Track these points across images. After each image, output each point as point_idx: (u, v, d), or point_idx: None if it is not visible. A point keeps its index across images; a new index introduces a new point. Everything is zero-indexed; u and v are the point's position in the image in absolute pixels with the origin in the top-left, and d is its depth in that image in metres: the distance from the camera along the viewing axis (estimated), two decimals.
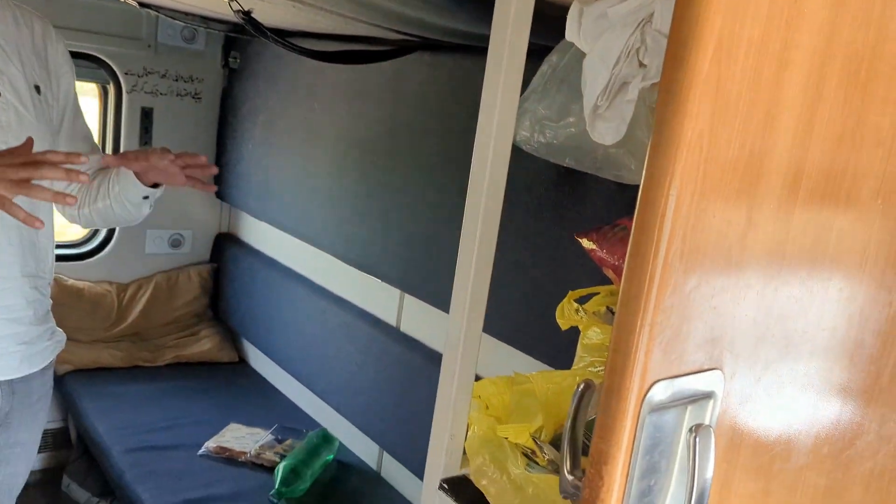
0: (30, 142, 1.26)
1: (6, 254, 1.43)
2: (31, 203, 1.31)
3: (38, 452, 2.94)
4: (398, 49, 2.03)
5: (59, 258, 2.94)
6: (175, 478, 2.26)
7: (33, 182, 1.21)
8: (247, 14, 1.75)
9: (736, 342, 0.69)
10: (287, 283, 2.78)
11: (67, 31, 2.72)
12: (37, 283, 1.51)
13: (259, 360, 3.06)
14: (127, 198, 1.57)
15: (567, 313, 1.21)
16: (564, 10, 1.01)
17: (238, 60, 2.99)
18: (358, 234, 2.32)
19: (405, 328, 2.34)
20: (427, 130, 2.05)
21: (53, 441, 3.02)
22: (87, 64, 2.86)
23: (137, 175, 1.51)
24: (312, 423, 2.65)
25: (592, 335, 1.17)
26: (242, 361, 3.15)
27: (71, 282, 2.93)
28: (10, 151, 1.24)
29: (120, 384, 2.79)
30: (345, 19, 1.87)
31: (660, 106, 0.60)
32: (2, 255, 1.42)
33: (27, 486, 2.95)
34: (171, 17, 2.65)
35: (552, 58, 1.07)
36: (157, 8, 2.56)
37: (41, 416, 1.63)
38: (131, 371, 2.91)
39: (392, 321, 2.37)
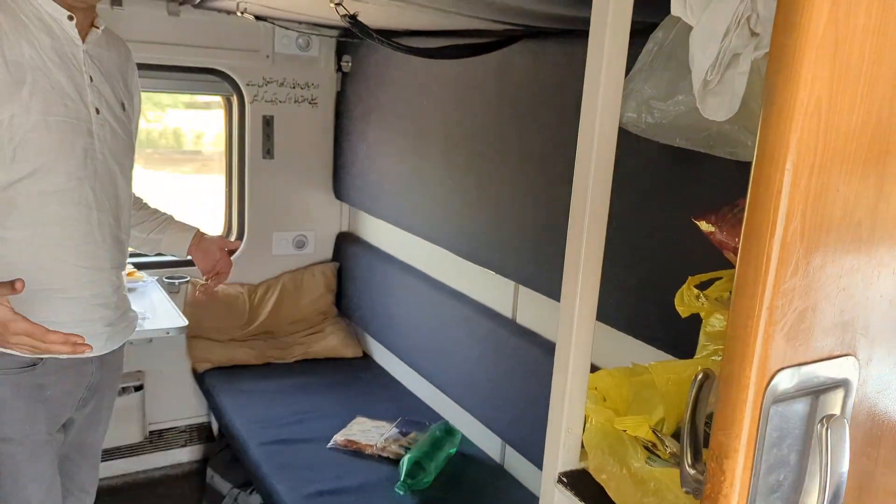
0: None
1: (101, 249, 1.63)
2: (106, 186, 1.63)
3: (185, 446, 3.19)
4: (502, 40, 2.02)
5: (193, 263, 3.16)
6: (307, 470, 2.35)
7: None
8: (353, 18, 1.79)
9: (871, 325, 0.64)
10: (405, 278, 2.83)
11: (194, 48, 2.90)
12: (119, 272, 1.73)
13: (382, 355, 3.14)
14: (160, 250, 2.02)
15: (687, 300, 1.16)
16: None
17: (350, 64, 3.08)
18: (470, 227, 2.32)
19: (521, 320, 2.32)
20: (535, 119, 2.02)
21: (198, 435, 3.23)
22: (212, 78, 3.03)
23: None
24: (435, 416, 2.69)
25: (715, 322, 1.12)
26: (366, 356, 3.25)
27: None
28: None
29: (254, 380, 2.94)
30: (447, 14, 1.87)
31: (770, 74, 0.56)
32: (97, 251, 1.62)
33: (175, 477, 3.17)
34: (285, 28, 2.76)
35: (657, 34, 1.03)
36: (273, 20, 2.67)
37: (117, 384, 1.91)
38: (264, 368, 3.06)
39: (508, 313, 2.37)
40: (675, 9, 0.90)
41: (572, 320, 1.03)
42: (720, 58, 0.80)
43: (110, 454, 3.02)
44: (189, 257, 2.05)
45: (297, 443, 2.51)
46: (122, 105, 1.70)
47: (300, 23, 2.68)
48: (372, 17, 2.06)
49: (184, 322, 2.55)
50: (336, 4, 1.75)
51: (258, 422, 2.63)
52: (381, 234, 3.13)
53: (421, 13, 1.91)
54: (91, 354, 1.57)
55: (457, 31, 2.19)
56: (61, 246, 1.57)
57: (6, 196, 1.49)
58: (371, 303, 3.08)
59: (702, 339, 1.17)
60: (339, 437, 2.53)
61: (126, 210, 1.73)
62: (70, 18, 1.54)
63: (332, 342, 3.19)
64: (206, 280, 2.11)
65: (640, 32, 1.01)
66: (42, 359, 1.57)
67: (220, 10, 2.75)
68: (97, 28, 1.63)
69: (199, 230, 2.03)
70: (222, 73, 3.02)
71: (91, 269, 1.61)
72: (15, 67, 1.44)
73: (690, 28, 0.90)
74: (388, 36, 2.05)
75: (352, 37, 2.96)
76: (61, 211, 1.55)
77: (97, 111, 1.60)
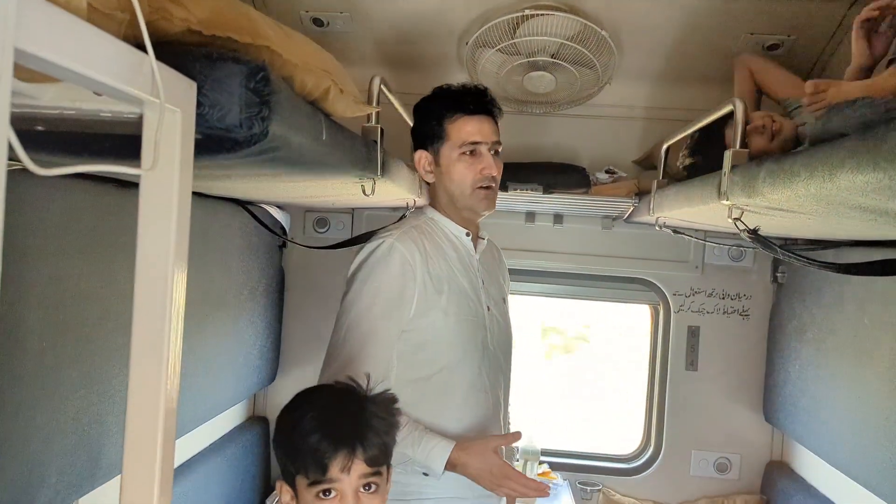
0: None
1: (495, 430, 1.85)
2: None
3: None
4: None
5: (610, 471, 3.09)
6: None
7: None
8: (753, 232, 1.66)
9: None
10: None
11: (625, 259, 3.01)
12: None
13: None
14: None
15: None
16: None
17: (785, 275, 2.83)
18: None
19: None
20: None
21: None
22: (639, 287, 3.09)
23: None
24: None
25: None
26: None
27: (617, 497, 3.00)
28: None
29: None
30: (875, 224, 1.61)
31: None
32: (493, 431, 1.84)
33: None
34: (707, 242, 2.70)
35: None
36: (689, 233, 2.64)
37: None
38: None
39: None
40: None
41: None
42: None
43: None
44: None
45: None
46: (504, 299, 1.97)
47: (720, 234, 2.59)
48: (782, 227, 1.90)
49: None
50: (735, 220, 1.65)
51: None
52: (816, 470, 2.64)
53: (844, 222, 1.68)
54: None
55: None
56: (461, 428, 1.77)
57: (419, 389, 1.75)
58: None
59: None
60: None
61: (506, 390, 1.95)
62: (467, 234, 1.87)
63: None
64: None
65: None
66: None
67: (647, 224, 2.84)
68: (482, 239, 1.94)
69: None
70: (650, 282, 3.05)
71: None
72: (436, 280, 1.76)
73: None
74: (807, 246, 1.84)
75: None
76: (466, 397, 1.79)
77: (488, 308, 1.85)
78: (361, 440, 1.25)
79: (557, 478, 2.97)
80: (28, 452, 1.40)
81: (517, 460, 2.77)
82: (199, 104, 0.79)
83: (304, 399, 1.35)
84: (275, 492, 2.88)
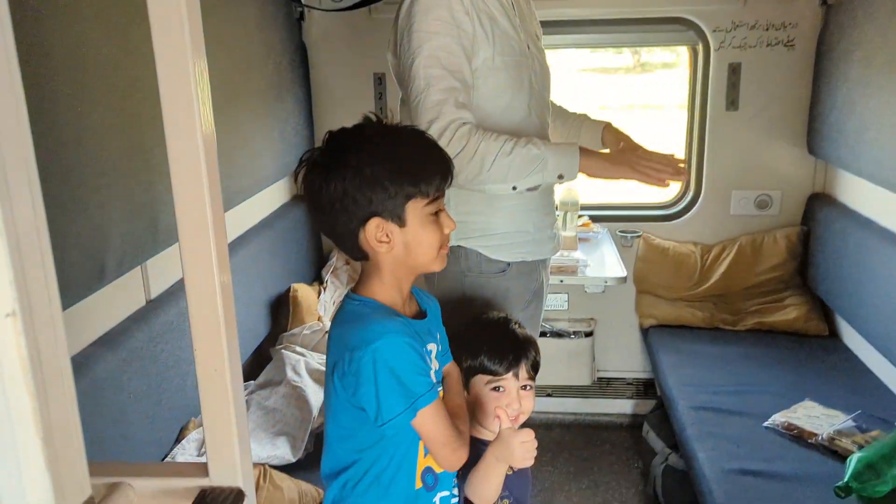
0: None
1: None
2: None
3: (631, 398, 3.24)
4: None
5: (649, 218, 3.14)
6: (734, 444, 2.16)
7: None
8: None
9: None
10: (884, 248, 2.34)
11: None
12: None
13: (852, 337, 2.68)
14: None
15: None
16: None
17: None
18: None
19: None
20: None
21: (644, 390, 3.25)
22: (677, 28, 2.93)
23: None
24: None
25: None
26: (833, 335, 2.81)
27: (657, 241, 3.07)
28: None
29: (697, 343, 2.82)
30: None
31: None
32: None
33: (618, 426, 3.24)
34: None
35: None
36: None
37: (546, 292, 2.00)
38: (710, 332, 2.90)
39: None
40: None
41: None
42: None
43: (563, 392, 3.25)
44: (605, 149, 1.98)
45: (729, 414, 2.32)
46: (538, 35, 1.88)
47: None
48: None
49: (623, 273, 2.57)
50: None
51: (693, 384, 2.51)
52: (860, 194, 2.64)
53: None
54: (540, 258, 1.87)
55: None
56: None
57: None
58: (840, 275, 2.64)
59: None
60: (779, 418, 2.26)
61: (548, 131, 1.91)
62: None
63: (791, 314, 2.85)
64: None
65: None
66: (510, 264, 1.80)
67: None
68: None
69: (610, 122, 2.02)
70: (688, 21, 2.89)
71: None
72: (484, 18, 1.66)
73: None
74: None
75: None
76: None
77: (528, 47, 1.78)
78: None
79: (597, 228, 3.03)
80: (88, 217, 1.45)
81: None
82: None
83: (372, 128, 1.27)
84: (330, 262, 3.02)
